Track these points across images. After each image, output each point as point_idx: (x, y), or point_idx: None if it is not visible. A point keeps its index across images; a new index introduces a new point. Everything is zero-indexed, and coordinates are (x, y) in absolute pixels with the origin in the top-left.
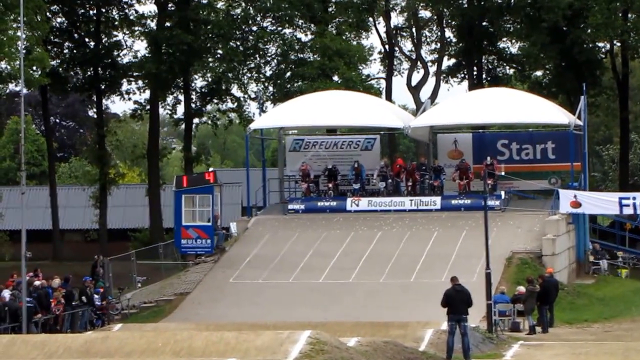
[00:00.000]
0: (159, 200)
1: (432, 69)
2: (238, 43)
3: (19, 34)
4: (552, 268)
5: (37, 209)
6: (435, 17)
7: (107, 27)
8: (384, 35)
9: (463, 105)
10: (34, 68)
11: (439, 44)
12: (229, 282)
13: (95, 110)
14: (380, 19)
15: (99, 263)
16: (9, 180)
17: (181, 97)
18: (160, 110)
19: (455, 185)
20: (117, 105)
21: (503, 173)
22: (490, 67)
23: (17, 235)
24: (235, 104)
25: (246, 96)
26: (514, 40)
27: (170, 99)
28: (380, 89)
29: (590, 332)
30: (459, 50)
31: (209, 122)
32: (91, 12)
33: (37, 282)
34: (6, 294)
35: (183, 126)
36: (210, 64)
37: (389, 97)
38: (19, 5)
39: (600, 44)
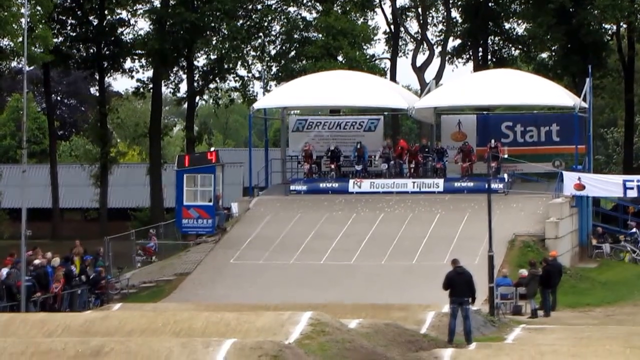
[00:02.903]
0: (160, 179)
1: (437, 49)
2: (242, 21)
3: (22, 10)
4: (555, 251)
5: (38, 187)
6: None
7: (110, 4)
8: (389, 15)
9: (467, 87)
10: (37, 45)
11: (444, 25)
12: (230, 263)
13: (97, 88)
14: None
15: (74, 251)
16: (9, 159)
17: (184, 76)
18: (163, 89)
19: (457, 168)
20: (120, 83)
21: (506, 155)
22: (495, 48)
23: (17, 214)
24: (239, 83)
25: (250, 75)
26: (520, 21)
27: (173, 78)
28: (385, 70)
29: (592, 316)
30: (464, 31)
31: (211, 100)
32: None
33: (36, 261)
34: (4, 272)
35: (185, 105)
36: (214, 43)
37: (393, 78)
38: None
39: (607, 26)
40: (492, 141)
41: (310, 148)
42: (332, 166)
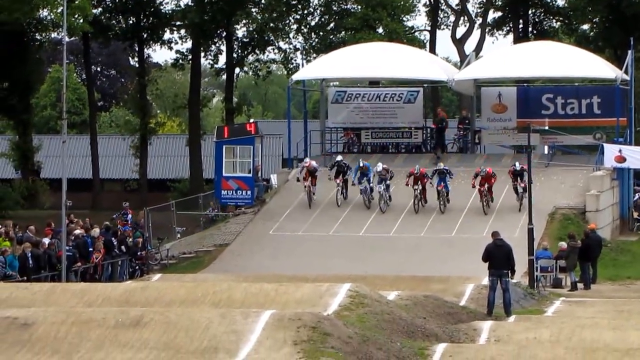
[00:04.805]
0: (199, 150)
1: (478, 21)
2: None
3: None
4: (594, 224)
5: (78, 157)
6: None
7: None
8: None
9: (508, 59)
10: (76, 16)
11: None
12: (269, 234)
13: (136, 59)
14: None
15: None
16: (49, 129)
17: (223, 47)
18: (202, 60)
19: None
20: (159, 54)
21: (547, 127)
22: (536, 20)
23: (57, 184)
24: (281, 55)
25: (291, 47)
26: None
27: (212, 49)
28: (424, 42)
29: (633, 290)
30: (504, 3)
31: (250, 72)
32: None
33: (77, 231)
34: (45, 242)
35: (224, 76)
36: (254, 14)
37: (432, 50)
38: None
39: None
40: (517, 164)
41: (312, 164)
42: (338, 181)
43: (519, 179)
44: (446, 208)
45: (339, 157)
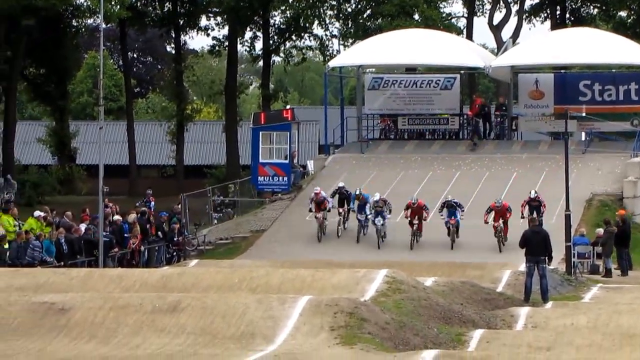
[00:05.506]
0: (235, 137)
1: (515, 8)
2: None
3: None
4: (623, 210)
5: (114, 144)
6: None
7: None
8: None
9: (545, 45)
10: (113, 3)
11: None
12: (305, 220)
13: (173, 45)
14: None
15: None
16: (86, 115)
17: (260, 34)
18: (238, 47)
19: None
20: (196, 41)
21: (584, 114)
22: (573, 6)
23: (94, 170)
24: (317, 42)
25: (328, 34)
26: None
27: (249, 35)
28: (461, 28)
29: None
30: None
31: (285, 58)
32: None
33: (116, 216)
34: (82, 227)
35: (261, 63)
36: (290, 1)
37: (469, 37)
38: None
39: None
40: (532, 192)
41: (322, 194)
42: (341, 210)
43: (534, 212)
44: (455, 244)
45: (341, 184)
